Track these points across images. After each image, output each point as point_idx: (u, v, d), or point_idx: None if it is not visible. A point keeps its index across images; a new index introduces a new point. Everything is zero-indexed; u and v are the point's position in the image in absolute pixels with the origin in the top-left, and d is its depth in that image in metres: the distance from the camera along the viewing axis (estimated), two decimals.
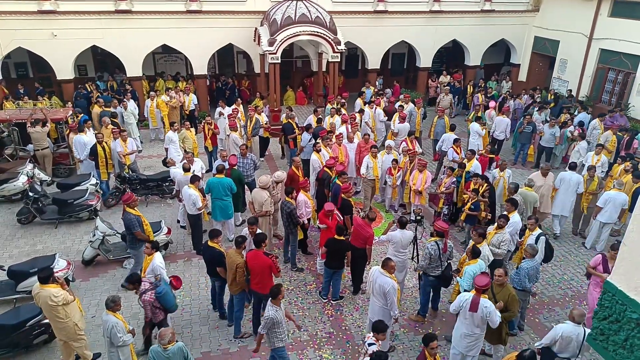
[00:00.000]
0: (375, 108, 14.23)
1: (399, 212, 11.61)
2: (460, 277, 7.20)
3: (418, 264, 7.90)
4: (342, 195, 9.00)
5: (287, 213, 8.71)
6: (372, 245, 8.00)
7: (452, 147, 12.00)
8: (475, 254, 7.15)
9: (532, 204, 9.54)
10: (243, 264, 7.04)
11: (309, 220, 9.30)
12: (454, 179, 10.21)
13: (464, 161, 10.95)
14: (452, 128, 13.17)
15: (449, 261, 7.68)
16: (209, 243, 7.40)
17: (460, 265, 7.57)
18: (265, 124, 13.71)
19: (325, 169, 10.13)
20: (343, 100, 15.32)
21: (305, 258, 9.68)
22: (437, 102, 15.99)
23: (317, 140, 11.54)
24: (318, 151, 10.95)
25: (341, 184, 9.24)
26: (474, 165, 10.77)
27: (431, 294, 7.91)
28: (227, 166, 9.96)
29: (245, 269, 7.16)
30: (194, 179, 9.21)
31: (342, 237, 7.72)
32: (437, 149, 12.97)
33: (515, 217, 8.38)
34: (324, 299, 8.42)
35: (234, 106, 14.45)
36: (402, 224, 7.82)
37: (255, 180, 10.53)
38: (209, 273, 7.73)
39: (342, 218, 8.65)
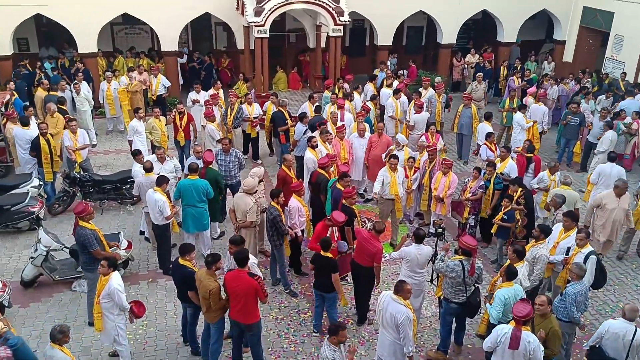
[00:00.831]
0: (400, 96, 14.30)
1: (414, 223, 11.63)
2: (491, 304, 7.19)
3: (435, 263, 7.74)
4: (343, 201, 9.06)
5: (270, 221, 8.70)
6: (380, 263, 8.01)
7: (484, 142, 12.03)
8: (510, 275, 7.16)
9: (573, 205, 9.62)
10: (217, 289, 7.05)
11: (302, 232, 9.31)
12: (482, 182, 10.22)
13: (496, 160, 11.00)
14: (488, 116, 13.16)
15: (476, 285, 7.69)
16: (180, 261, 7.42)
17: (492, 289, 7.56)
18: (256, 117, 13.52)
19: (319, 170, 10.14)
20: (346, 85, 15.37)
21: (299, 280, 9.68)
22: (469, 91, 15.95)
23: (313, 134, 11.57)
24: (314, 147, 10.96)
25: (342, 188, 9.26)
26: (509, 166, 10.77)
27: (454, 324, 7.90)
28: (201, 165, 10.01)
29: (225, 292, 7.18)
30: (161, 181, 9.23)
31: (327, 254, 7.73)
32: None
33: (574, 235, 8.38)
34: (315, 333, 8.34)
35: (211, 90, 14.51)
36: (419, 238, 7.81)
37: (242, 182, 10.49)
38: (180, 297, 7.72)
39: (338, 233, 8.68)
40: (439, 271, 7.63)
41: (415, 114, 13.50)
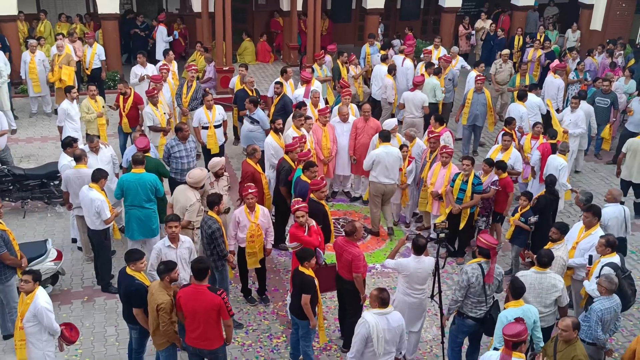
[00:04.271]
0: (395, 72, 14.45)
1: (411, 226, 11.65)
2: None
3: (451, 300, 7.87)
4: (311, 195, 9.12)
5: (207, 236, 8.50)
6: (360, 271, 7.95)
7: (503, 128, 12.14)
8: (517, 291, 7.22)
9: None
10: (168, 304, 7.03)
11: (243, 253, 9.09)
12: (495, 178, 10.36)
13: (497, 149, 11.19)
14: (522, 96, 13.19)
15: (496, 294, 7.81)
16: (128, 270, 7.43)
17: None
18: (218, 125, 12.40)
19: (285, 156, 10.28)
20: (327, 57, 15.45)
21: (272, 296, 9.73)
22: (492, 71, 15.96)
23: (276, 116, 11.72)
24: (277, 131, 11.12)
25: (308, 180, 9.33)
26: (513, 156, 10.97)
27: (465, 345, 7.99)
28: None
29: (177, 311, 7.15)
30: (98, 175, 9.17)
31: (305, 269, 7.63)
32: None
33: (596, 234, 8.56)
34: None
35: (161, 62, 14.37)
36: (418, 249, 7.82)
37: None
38: (126, 317, 7.70)
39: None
40: (456, 305, 7.71)
41: (408, 91, 13.63)
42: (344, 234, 8.17)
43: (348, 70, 15.16)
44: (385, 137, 10.87)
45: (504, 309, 7.26)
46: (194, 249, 8.44)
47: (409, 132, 11.62)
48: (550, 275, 7.66)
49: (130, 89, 12.82)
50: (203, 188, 9.34)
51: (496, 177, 10.31)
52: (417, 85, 13.52)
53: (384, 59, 15.15)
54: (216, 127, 12.17)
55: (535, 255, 7.96)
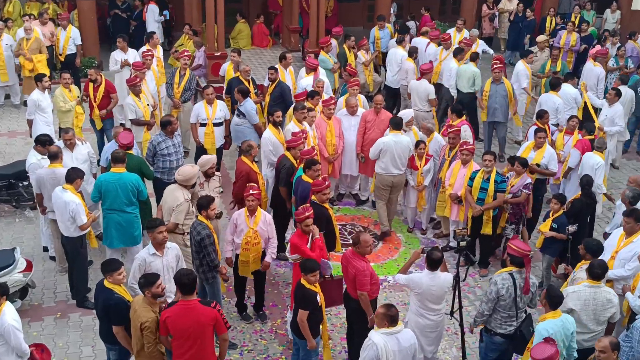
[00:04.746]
0: (416, 53, 14.53)
1: (428, 232, 11.66)
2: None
3: (476, 315, 7.89)
4: (313, 197, 9.13)
5: (196, 243, 8.50)
6: (364, 288, 7.89)
7: (535, 122, 12.12)
8: (554, 300, 7.21)
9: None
10: (154, 322, 7.03)
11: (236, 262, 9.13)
12: (529, 180, 10.33)
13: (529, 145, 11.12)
14: (555, 84, 13.09)
15: (530, 307, 7.82)
16: (106, 283, 7.42)
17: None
18: (219, 124, 12.30)
19: (286, 153, 10.32)
20: (333, 42, 15.38)
21: (269, 312, 9.71)
22: (531, 60, 15.56)
23: (272, 106, 11.72)
24: (275, 124, 11.08)
25: (310, 181, 9.34)
26: (547, 155, 10.90)
27: None
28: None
29: (161, 336, 7.14)
30: (73, 175, 9.16)
31: (310, 286, 7.62)
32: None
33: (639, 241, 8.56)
34: None
35: (145, 47, 14.34)
36: (432, 263, 7.76)
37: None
38: (103, 336, 7.67)
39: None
40: (482, 320, 7.73)
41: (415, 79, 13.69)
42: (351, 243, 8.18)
43: (356, 57, 15.17)
44: (397, 124, 11.01)
45: (541, 321, 7.22)
46: (182, 257, 8.44)
47: (427, 124, 11.61)
48: (604, 289, 7.62)
49: (101, 75, 12.86)
50: (194, 187, 9.36)
51: (529, 180, 10.27)
52: (425, 73, 13.53)
53: (400, 41, 15.14)
54: (216, 125, 12.12)
55: (570, 268, 7.98)
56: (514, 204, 10.28)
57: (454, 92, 14.34)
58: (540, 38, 16.32)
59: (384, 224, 11.36)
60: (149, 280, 7.09)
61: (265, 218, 9.01)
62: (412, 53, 14.66)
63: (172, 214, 9.00)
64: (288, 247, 8.80)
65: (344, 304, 8.46)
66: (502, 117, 13.73)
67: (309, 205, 8.76)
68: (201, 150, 12.07)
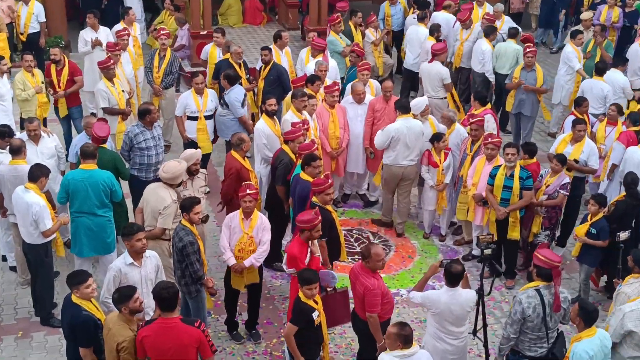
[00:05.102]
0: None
1: (447, 238, 11.64)
2: None
3: (500, 341, 7.88)
4: (314, 198, 9.15)
5: (177, 251, 8.50)
6: (373, 310, 7.85)
7: (572, 112, 12.05)
8: (589, 316, 7.12)
9: None
10: (132, 341, 7.01)
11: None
12: (567, 179, 10.23)
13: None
14: (601, 69, 12.96)
15: (562, 324, 7.83)
16: (73, 298, 7.40)
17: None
18: (209, 116, 12.31)
19: (284, 147, 10.37)
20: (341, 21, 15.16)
21: (264, 331, 9.68)
22: (580, 42, 15.15)
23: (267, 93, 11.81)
24: (270, 114, 11.05)
25: (310, 179, 9.35)
26: (587, 149, 10.75)
27: None
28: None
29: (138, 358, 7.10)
30: (37, 173, 9.12)
31: (307, 300, 7.67)
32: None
33: None
34: None
35: (119, 25, 14.37)
36: (452, 278, 7.71)
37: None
38: (70, 358, 7.67)
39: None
40: (508, 344, 7.71)
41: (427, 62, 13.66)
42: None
43: (364, 36, 15.13)
44: (404, 107, 11.06)
45: (577, 341, 7.17)
46: (162, 267, 8.38)
47: (448, 113, 11.50)
48: None
49: (64, 57, 12.88)
50: (179, 187, 9.36)
51: (567, 179, 10.22)
52: (437, 54, 13.45)
53: (422, 18, 15.11)
54: (207, 117, 12.08)
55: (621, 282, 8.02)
56: (549, 207, 10.22)
57: (491, 78, 14.26)
58: (586, 15, 16.07)
59: (386, 216, 11.61)
60: (124, 294, 7.06)
61: (262, 222, 9.02)
62: (434, 31, 14.56)
63: (157, 218, 9.00)
64: (285, 256, 8.77)
65: (352, 326, 8.36)
66: (529, 110, 13.51)
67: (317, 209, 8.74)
68: (192, 147, 11.72)
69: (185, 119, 12.05)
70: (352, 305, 8.45)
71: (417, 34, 14.91)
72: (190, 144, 11.93)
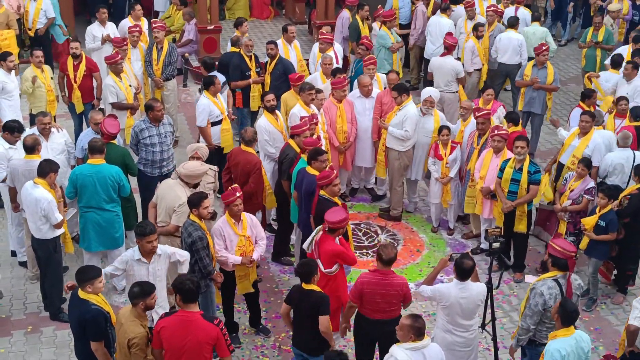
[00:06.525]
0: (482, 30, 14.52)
1: (455, 232, 11.69)
2: None
3: (519, 332, 7.87)
4: (321, 192, 9.15)
5: (187, 247, 8.51)
6: (409, 301, 7.97)
7: (579, 104, 11.98)
8: (569, 315, 7.10)
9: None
10: (144, 338, 7.04)
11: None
12: (592, 184, 10.12)
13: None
14: (617, 62, 12.87)
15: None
16: (80, 294, 7.37)
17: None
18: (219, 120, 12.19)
19: (290, 142, 10.35)
20: (345, 12, 15.22)
21: (272, 325, 9.68)
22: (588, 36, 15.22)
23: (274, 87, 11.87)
24: (270, 110, 11.07)
25: (317, 173, 9.33)
26: (593, 144, 10.60)
27: None
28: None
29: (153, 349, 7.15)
30: (47, 168, 9.12)
31: (311, 285, 7.72)
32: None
33: None
34: None
35: (127, 21, 14.39)
36: (463, 273, 7.74)
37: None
38: (79, 355, 7.67)
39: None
40: (526, 335, 7.74)
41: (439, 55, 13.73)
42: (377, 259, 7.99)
43: (371, 29, 15.09)
44: (403, 88, 11.27)
45: (552, 338, 7.20)
46: (181, 261, 8.32)
47: (465, 103, 11.49)
48: None
49: (83, 52, 12.95)
50: (196, 188, 9.27)
51: (592, 184, 10.12)
52: (450, 47, 13.47)
53: (445, 9, 15.07)
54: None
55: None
56: (573, 212, 10.18)
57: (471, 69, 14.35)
58: (614, 6, 15.91)
59: (396, 209, 11.72)
60: (146, 290, 7.10)
61: (250, 219, 9.01)
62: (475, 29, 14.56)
63: (172, 215, 9.02)
64: (319, 261, 8.56)
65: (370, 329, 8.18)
66: (539, 108, 13.45)
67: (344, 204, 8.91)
68: (218, 150, 11.69)
69: (210, 126, 11.61)
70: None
71: (439, 26, 14.82)
72: (217, 150, 11.65)
